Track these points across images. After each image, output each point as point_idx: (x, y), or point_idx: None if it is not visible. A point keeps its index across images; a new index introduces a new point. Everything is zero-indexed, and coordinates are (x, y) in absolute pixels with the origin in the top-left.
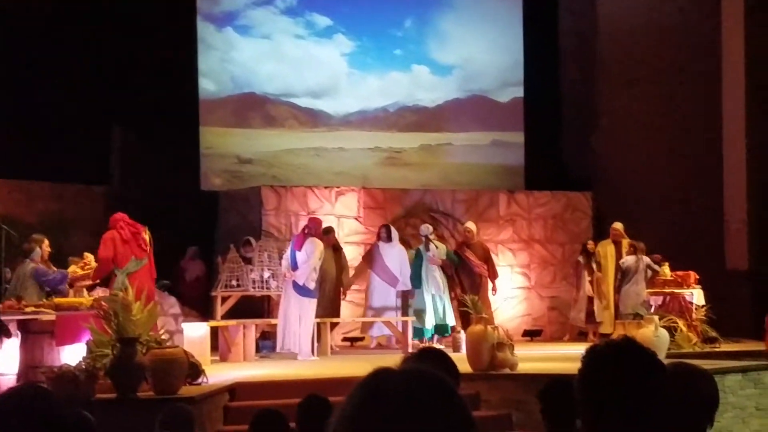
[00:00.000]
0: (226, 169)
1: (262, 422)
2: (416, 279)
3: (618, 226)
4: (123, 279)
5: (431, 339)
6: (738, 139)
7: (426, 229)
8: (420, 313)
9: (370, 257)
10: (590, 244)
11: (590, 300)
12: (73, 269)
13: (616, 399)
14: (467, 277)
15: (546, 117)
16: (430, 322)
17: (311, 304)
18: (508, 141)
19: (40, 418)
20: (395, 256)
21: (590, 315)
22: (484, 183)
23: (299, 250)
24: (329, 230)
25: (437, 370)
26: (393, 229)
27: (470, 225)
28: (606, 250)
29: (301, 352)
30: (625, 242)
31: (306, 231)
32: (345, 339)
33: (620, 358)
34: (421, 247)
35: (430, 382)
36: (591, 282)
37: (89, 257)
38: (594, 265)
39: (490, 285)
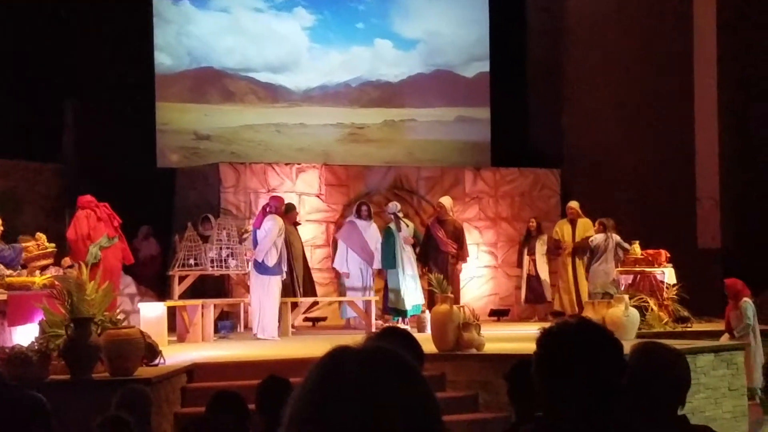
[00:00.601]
0: (183, 145)
1: (219, 404)
2: (389, 258)
3: (574, 204)
4: (96, 251)
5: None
6: (710, 114)
7: (394, 206)
8: (396, 293)
9: (347, 234)
10: (532, 223)
11: (530, 278)
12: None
13: (573, 381)
14: (433, 255)
15: (513, 92)
16: (410, 302)
17: (273, 282)
18: (473, 117)
19: None
20: (372, 234)
21: (534, 295)
22: (450, 160)
23: (259, 228)
24: (291, 207)
25: (400, 348)
26: (371, 207)
27: (444, 200)
28: (563, 229)
29: (264, 331)
30: (582, 221)
31: (267, 209)
32: (307, 319)
33: (574, 339)
34: (392, 226)
35: (390, 360)
36: (532, 261)
37: (42, 237)
38: (538, 245)
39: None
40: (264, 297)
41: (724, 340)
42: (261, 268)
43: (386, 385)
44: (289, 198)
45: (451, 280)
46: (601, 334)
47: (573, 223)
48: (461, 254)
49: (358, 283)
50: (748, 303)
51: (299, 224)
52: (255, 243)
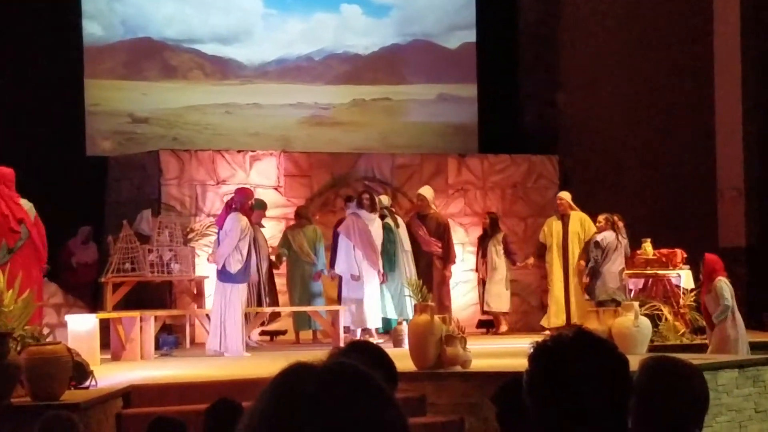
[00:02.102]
0: (116, 130)
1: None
2: (388, 261)
3: (564, 195)
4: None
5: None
6: (733, 91)
7: (386, 200)
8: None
9: (350, 230)
10: (485, 220)
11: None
12: None
13: (570, 404)
14: (415, 257)
15: (503, 66)
16: (392, 312)
17: (235, 291)
18: (457, 95)
19: None
20: (378, 230)
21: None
22: (430, 145)
23: (221, 228)
24: (261, 204)
25: (367, 366)
26: (377, 198)
27: (425, 192)
28: (551, 228)
29: (227, 348)
30: (575, 215)
31: (231, 204)
32: (264, 333)
33: (572, 354)
34: (389, 222)
35: (353, 379)
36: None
37: None
38: (491, 247)
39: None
40: (226, 308)
41: (714, 342)
42: (222, 275)
43: (348, 409)
44: None
45: (437, 287)
46: (602, 348)
47: (565, 219)
48: (447, 255)
49: (367, 289)
50: (723, 281)
51: (262, 226)
52: (218, 245)
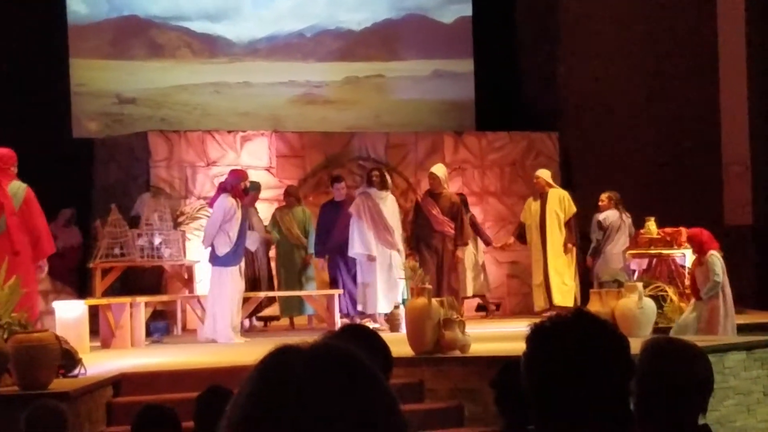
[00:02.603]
0: (103, 111)
1: (145, 421)
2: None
3: (542, 173)
4: None
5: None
6: (738, 60)
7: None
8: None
9: (360, 209)
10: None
11: None
12: None
13: (569, 387)
14: (425, 237)
15: (500, 40)
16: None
17: (226, 275)
18: (453, 71)
19: None
20: (391, 207)
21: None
22: (425, 123)
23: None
24: (256, 186)
25: (360, 350)
26: (386, 174)
27: (437, 170)
28: (530, 208)
29: (217, 334)
30: (553, 193)
31: (224, 186)
32: (259, 318)
33: (570, 335)
34: None
35: (341, 361)
36: None
37: None
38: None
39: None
40: (217, 292)
41: (690, 307)
42: (212, 258)
43: (335, 392)
44: None
45: (449, 269)
46: (602, 329)
47: (543, 197)
48: (461, 236)
49: (369, 277)
50: (715, 256)
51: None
52: None
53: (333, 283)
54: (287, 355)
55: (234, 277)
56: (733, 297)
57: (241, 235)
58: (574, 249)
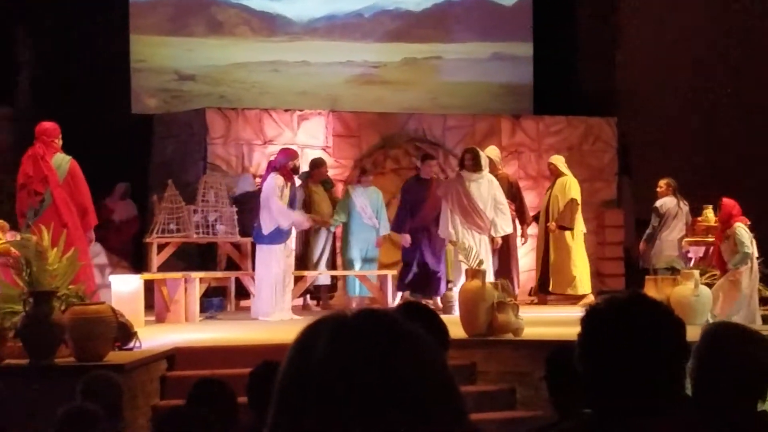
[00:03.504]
0: (162, 87)
1: (201, 394)
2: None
3: (554, 159)
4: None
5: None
6: None
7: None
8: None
9: (446, 191)
10: None
11: None
12: None
13: (622, 367)
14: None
15: (560, 24)
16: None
17: (270, 253)
18: (512, 54)
19: None
20: (485, 190)
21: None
22: (483, 106)
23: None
24: (318, 163)
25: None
26: (482, 155)
27: (492, 152)
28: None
29: (258, 310)
30: (561, 181)
31: (273, 165)
32: (313, 297)
33: (625, 317)
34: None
35: (379, 322)
36: None
37: None
38: None
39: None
40: (263, 271)
41: (720, 282)
42: (258, 236)
43: (361, 353)
44: None
45: (509, 251)
46: (657, 311)
47: (551, 185)
48: (523, 216)
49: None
50: (742, 227)
51: (332, 184)
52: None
53: (407, 265)
54: (323, 321)
55: (279, 256)
56: None
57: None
58: (574, 235)
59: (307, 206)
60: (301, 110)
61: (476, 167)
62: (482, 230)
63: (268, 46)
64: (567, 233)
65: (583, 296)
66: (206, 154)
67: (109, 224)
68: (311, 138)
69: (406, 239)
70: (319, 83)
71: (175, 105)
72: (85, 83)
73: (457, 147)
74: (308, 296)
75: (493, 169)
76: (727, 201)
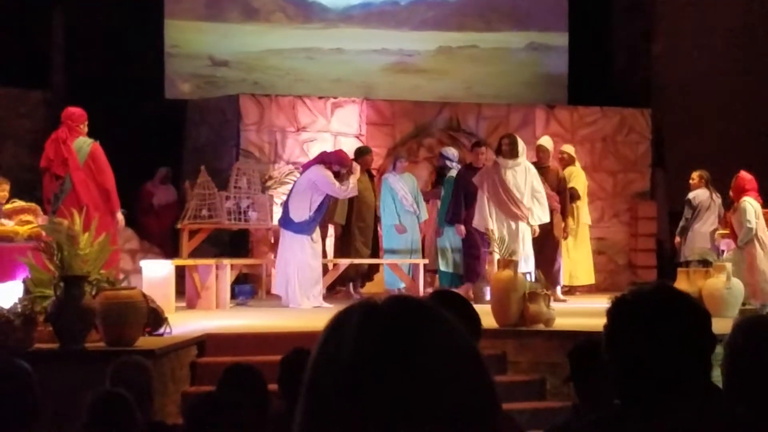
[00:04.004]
0: (196, 72)
1: (232, 380)
2: (447, 213)
3: (566, 149)
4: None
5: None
6: None
7: (452, 153)
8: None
9: (486, 181)
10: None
11: None
12: None
13: (649, 358)
14: None
15: (596, 15)
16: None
17: (296, 241)
18: (548, 44)
19: None
20: (523, 177)
21: None
22: (518, 96)
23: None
24: (363, 151)
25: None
26: (520, 141)
27: (545, 141)
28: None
29: (288, 298)
30: (568, 169)
31: (324, 160)
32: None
33: (651, 308)
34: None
35: (421, 311)
36: None
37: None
38: None
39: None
40: (289, 256)
41: (729, 251)
42: (286, 222)
43: (409, 331)
44: (323, 139)
45: (548, 246)
46: (682, 302)
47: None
48: (565, 211)
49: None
50: (748, 201)
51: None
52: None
53: (475, 257)
54: (353, 308)
55: (305, 246)
56: None
57: (320, 209)
58: (575, 225)
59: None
60: (335, 98)
61: (513, 154)
62: (517, 218)
63: (303, 33)
64: (569, 222)
65: (577, 287)
66: (239, 141)
67: (149, 209)
68: (345, 126)
69: (461, 230)
70: (353, 71)
71: (209, 91)
72: (119, 68)
73: (491, 137)
74: (351, 284)
75: (546, 160)
76: (744, 174)
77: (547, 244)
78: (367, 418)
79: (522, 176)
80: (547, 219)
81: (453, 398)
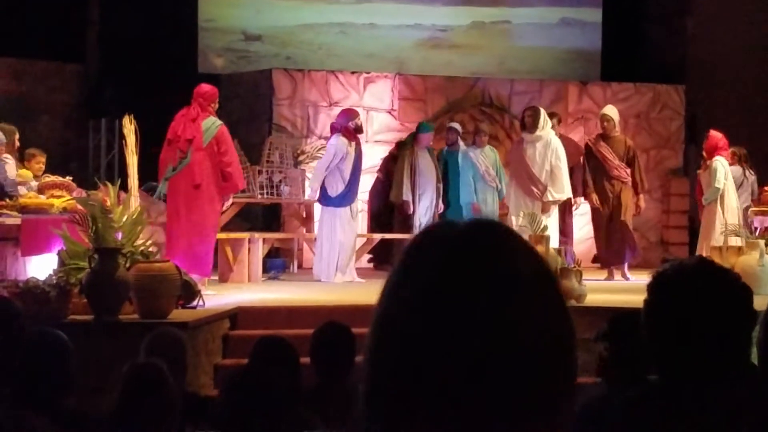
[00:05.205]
0: (229, 47)
1: (265, 351)
2: (458, 192)
3: (612, 113)
4: (162, 188)
5: None
6: None
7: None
8: None
9: (512, 159)
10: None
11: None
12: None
13: (689, 333)
14: (600, 182)
15: None
16: None
17: (336, 215)
18: (581, 19)
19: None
20: (542, 151)
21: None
22: (551, 71)
23: None
24: (428, 127)
25: None
26: (542, 114)
27: (609, 111)
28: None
29: (321, 272)
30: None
31: (335, 126)
32: (372, 260)
33: (692, 284)
34: (469, 151)
35: (512, 235)
36: None
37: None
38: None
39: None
40: (326, 232)
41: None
42: (323, 198)
43: (490, 252)
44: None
45: (617, 219)
46: (724, 278)
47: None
48: (636, 182)
49: None
50: (719, 161)
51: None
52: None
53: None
54: (430, 234)
55: (344, 219)
56: None
57: (354, 174)
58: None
59: (413, 172)
60: (367, 73)
61: (535, 126)
62: (535, 197)
63: (335, 7)
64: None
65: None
66: (272, 116)
67: None
68: (377, 101)
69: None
70: (386, 46)
71: (242, 65)
72: (153, 42)
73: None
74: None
75: (612, 130)
76: (714, 133)
77: (615, 219)
78: (451, 349)
79: (540, 151)
80: (562, 195)
81: (537, 326)
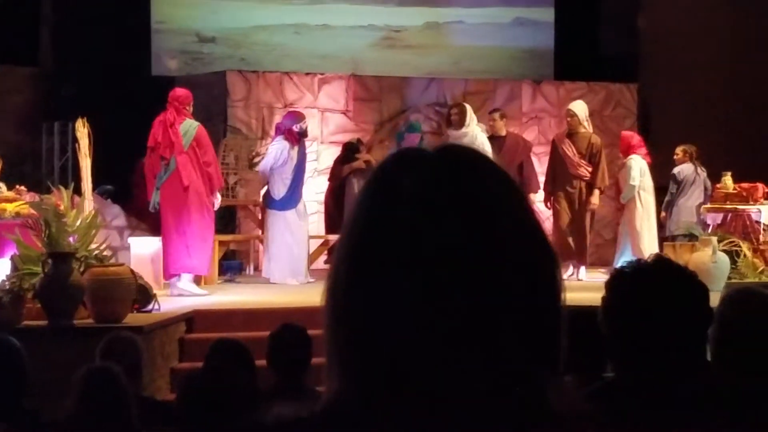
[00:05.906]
0: (183, 49)
1: (220, 354)
2: None
3: (577, 108)
4: (155, 198)
5: None
6: None
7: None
8: None
9: None
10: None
11: None
12: None
13: (647, 330)
14: (561, 180)
15: None
16: None
17: (280, 218)
18: (534, 18)
19: None
20: (475, 145)
21: None
22: (504, 70)
23: None
24: (416, 126)
25: None
26: (468, 111)
27: (576, 107)
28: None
29: (272, 274)
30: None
31: (279, 128)
32: (328, 261)
33: (650, 281)
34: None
35: (479, 154)
36: None
37: None
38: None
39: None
40: (272, 235)
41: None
42: (268, 200)
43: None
44: (310, 114)
45: (578, 217)
46: (682, 276)
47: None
48: (596, 180)
49: None
50: (634, 159)
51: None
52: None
53: None
54: (399, 156)
55: (291, 221)
56: None
57: (297, 178)
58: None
59: None
60: (322, 74)
61: (461, 124)
62: None
63: (289, 8)
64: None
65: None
66: (227, 117)
67: (142, 183)
68: (332, 102)
69: None
70: (340, 47)
71: (196, 67)
72: (106, 44)
73: (478, 112)
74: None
75: (576, 126)
76: (626, 133)
77: (576, 217)
78: (430, 270)
79: (477, 146)
80: None
81: (514, 242)
